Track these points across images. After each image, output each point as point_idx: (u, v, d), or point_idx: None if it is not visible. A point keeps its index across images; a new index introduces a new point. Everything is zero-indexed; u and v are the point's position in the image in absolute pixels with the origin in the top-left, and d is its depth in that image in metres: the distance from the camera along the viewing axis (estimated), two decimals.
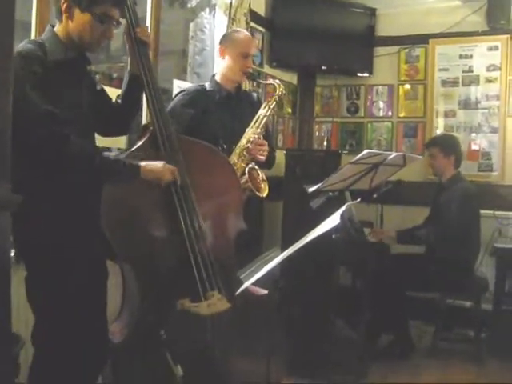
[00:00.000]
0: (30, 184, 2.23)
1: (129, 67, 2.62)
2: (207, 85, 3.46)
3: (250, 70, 3.44)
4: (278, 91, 3.38)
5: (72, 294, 2.26)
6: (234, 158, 3.18)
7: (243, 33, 3.57)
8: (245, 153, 3.21)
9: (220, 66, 3.48)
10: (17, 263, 2.36)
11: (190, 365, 2.34)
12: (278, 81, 3.50)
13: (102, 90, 2.66)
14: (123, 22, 2.54)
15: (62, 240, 2.25)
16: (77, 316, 2.26)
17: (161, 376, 2.33)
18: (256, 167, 3.21)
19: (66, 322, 2.25)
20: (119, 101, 2.66)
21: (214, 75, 3.52)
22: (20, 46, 2.28)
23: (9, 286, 1.81)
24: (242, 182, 3.09)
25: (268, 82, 3.60)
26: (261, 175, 3.22)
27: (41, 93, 2.16)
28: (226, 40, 3.46)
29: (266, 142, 3.29)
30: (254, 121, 3.29)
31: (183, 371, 2.27)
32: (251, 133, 3.24)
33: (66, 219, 2.25)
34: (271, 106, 3.33)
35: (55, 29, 2.36)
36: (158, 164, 2.41)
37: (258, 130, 3.26)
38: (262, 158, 3.26)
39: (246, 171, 3.14)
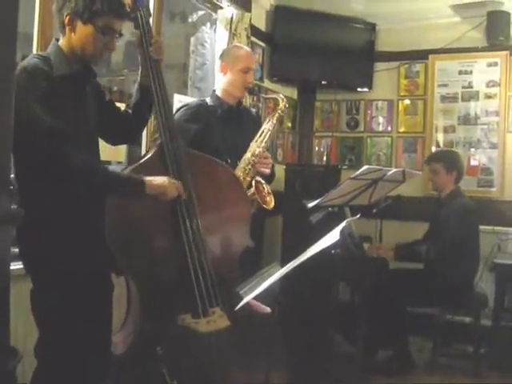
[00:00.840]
0: (35, 197, 2.25)
1: (139, 78, 2.62)
2: (208, 100, 3.47)
3: (251, 85, 3.44)
4: (282, 105, 3.39)
5: (77, 308, 2.25)
6: (239, 172, 3.18)
7: (243, 48, 3.59)
8: (249, 166, 3.21)
9: (221, 82, 3.48)
10: (25, 276, 2.35)
11: (187, 381, 2.34)
12: (281, 95, 3.49)
13: (110, 101, 2.67)
14: (136, 32, 2.55)
15: (66, 253, 2.24)
16: (81, 329, 2.25)
17: None
18: (262, 180, 3.21)
19: (71, 335, 2.24)
20: (129, 110, 2.67)
21: (214, 90, 3.53)
22: (25, 60, 2.29)
23: (8, 300, 1.81)
24: (248, 194, 3.09)
25: (271, 96, 3.59)
26: (266, 188, 3.22)
27: (46, 107, 2.16)
28: (226, 56, 3.47)
29: (269, 155, 3.31)
30: (258, 134, 3.30)
31: None
32: (255, 146, 3.25)
33: (70, 232, 2.25)
34: (275, 120, 3.34)
35: (59, 42, 2.37)
36: (162, 179, 2.39)
37: (263, 144, 3.26)
38: (267, 171, 3.28)
39: (253, 184, 3.15)
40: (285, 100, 3.43)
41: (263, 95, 3.66)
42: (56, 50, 2.35)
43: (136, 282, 2.47)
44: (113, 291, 2.48)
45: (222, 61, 3.45)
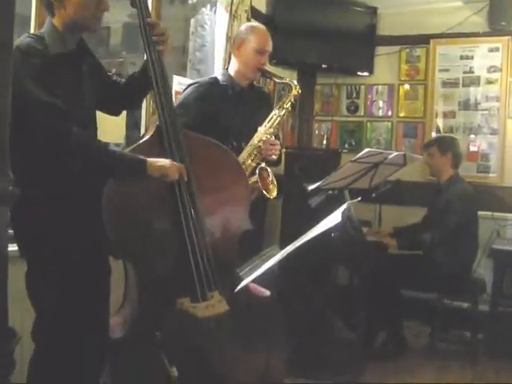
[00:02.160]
0: (31, 178, 2.22)
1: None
2: (220, 77, 3.36)
3: (265, 67, 3.35)
4: (295, 91, 3.28)
5: (73, 290, 2.24)
6: (244, 157, 3.13)
7: (260, 28, 3.44)
8: (255, 152, 3.15)
9: (233, 61, 3.36)
10: (20, 257, 2.33)
11: (186, 366, 2.33)
12: (295, 81, 3.37)
13: (109, 76, 2.65)
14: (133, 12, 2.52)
15: (63, 235, 2.23)
16: (78, 312, 2.24)
17: (156, 376, 2.31)
18: (267, 168, 3.16)
19: (67, 317, 2.23)
20: (127, 81, 2.65)
21: (227, 68, 3.43)
22: (19, 40, 2.26)
23: (6, 281, 1.80)
24: (251, 181, 3.04)
25: (285, 81, 3.47)
26: (271, 176, 3.16)
27: (41, 85, 2.15)
28: (241, 35, 3.35)
29: (278, 142, 3.24)
30: (267, 120, 3.22)
31: (179, 372, 2.25)
32: (263, 132, 3.17)
33: (67, 214, 2.24)
34: (286, 107, 3.26)
35: (53, 21, 2.33)
36: (165, 161, 2.38)
37: (271, 130, 3.19)
38: (274, 157, 3.22)
39: (257, 171, 3.09)
40: (298, 87, 3.31)
41: (276, 79, 3.53)
42: (50, 29, 2.31)
43: (134, 265, 2.45)
44: (110, 274, 2.47)
45: (238, 39, 3.34)
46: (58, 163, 2.22)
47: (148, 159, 2.34)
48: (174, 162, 2.40)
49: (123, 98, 2.68)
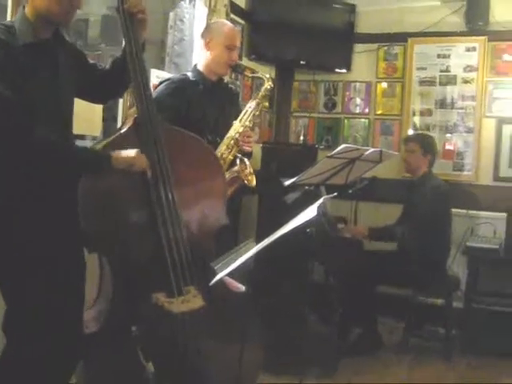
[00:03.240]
0: (2, 168, 2.20)
1: (123, 45, 2.54)
2: (190, 74, 3.38)
3: (235, 63, 3.36)
4: (267, 84, 3.32)
5: (46, 283, 2.22)
6: (222, 149, 3.16)
7: (229, 25, 3.48)
8: (233, 144, 3.18)
9: (203, 57, 3.38)
10: None
11: (162, 361, 2.32)
12: (267, 74, 3.42)
13: (92, 64, 2.60)
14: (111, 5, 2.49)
15: (35, 228, 2.20)
16: (51, 305, 2.21)
17: (132, 372, 2.30)
18: (245, 159, 3.19)
19: (40, 310, 2.21)
20: (110, 66, 2.61)
21: (195, 65, 3.44)
22: None
23: None
24: (232, 171, 3.12)
25: (257, 74, 3.51)
26: (248, 168, 3.20)
27: (2, 78, 2.08)
28: (210, 32, 3.37)
29: (253, 134, 3.29)
30: (242, 113, 3.26)
31: (155, 368, 2.24)
32: (240, 125, 3.21)
33: (39, 206, 2.21)
34: (260, 99, 3.29)
35: (25, 10, 2.26)
36: (129, 152, 2.35)
37: (247, 123, 3.23)
38: (249, 149, 3.25)
39: (237, 162, 3.14)
40: (270, 80, 3.36)
41: (248, 73, 3.56)
42: (21, 18, 2.25)
43: (108, 259, 2.43)
44: (85, 267, 2.43)
45: (206, 36, 3.35)
46: (25, 159, 2.18)
47: (112, 153, 2.31)
48: (140, 153, 2.37)
49: (108, 84, 2.62)
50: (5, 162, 2.20)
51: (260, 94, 3.32)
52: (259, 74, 3.47)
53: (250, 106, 3.29)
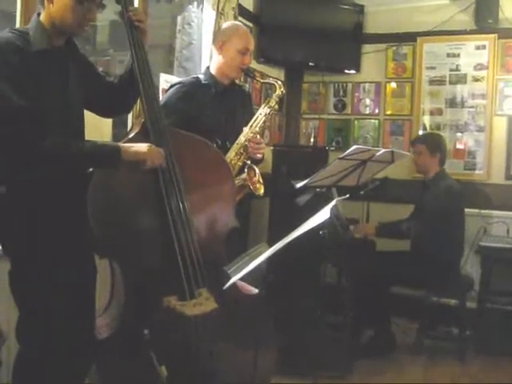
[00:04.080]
0: (14, 177, 2.21)
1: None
2: (202, 77, 3.35)
3: (247, 67, 3.33)
4: (279, 91, 3.28)
5: (58, 290, 2.22)
6: (231, 155, 3.14)
7: (242, 27, 3.45)
8: (242, 150, 3.16)
9: (215, 60, 3.34)
10: (4, 256, 2.32)
11: (175, 365, 2.31)
12: (279, 81, 3.38)
13: (100, 75, 2.62)
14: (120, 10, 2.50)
15: (47, 233, 2.21)
16: (63, 311, 2.22)
17: (145, 376, 2.30)
18: (254, 167, 3.17)
19: (52, 317, 2.21)
20: (118, 81, 2.61)
21: (208, 67, 3.41)
22: None
23: None
24: (240, 179, 3.09)
25: (269, 80, 3.46)
26: (257, 175, 3.18)
27: (16, 85, 2.11)
28: (223, 34, 3.33)
29: (263, 141, 3.25)
30: (253, 119, 3.23)
31: (168, 372, 2.24)
32: (250, 131, 3.19)
33: (51, 212, 2.21)
34: (271, 106, 3.26)
35: (40, 17, 2.30)
36: (141, 145, 2.34)
37: (257, 129, 3.20)
38: (259, 156, 3.22)
39: (245, 170, 3.11)
40: (282, 86, 3.32)
41: (259, 79, 3.52)
42: (36, 25, 2.28)
43: (119, 264, 2.43)
44: (96, 273, 2.44)
45: (219, 39, 3.32)
46: (37, 165, 2.18)
47: (122, 144, 2.31)
48: (153, 146, 2.36)
49: (116, 99, 2.62)
50: (16, 170, 2.21)
51: (271, 100, 3.28)
52: (271, 80, 3.43)
53: (261, 112, 3.25)
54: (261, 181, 3.19)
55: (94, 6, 2.31)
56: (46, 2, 2.27)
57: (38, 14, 2.31)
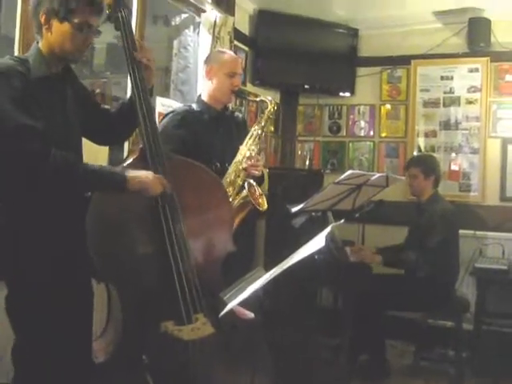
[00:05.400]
0: (12, 199, 2.22)
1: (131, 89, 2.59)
2: (194, 105, 3.41)
3: (238, 88, 3.38)
4: (271, 107, 3.34)
5: (55, 314, 2.22)
6: (231, 175, 3.17)
7: (228, 53, 3.53)
8: (240, 168, 3.19)
9: (206, 87, 3.41)
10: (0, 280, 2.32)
11: None
12: (269, 97, 3.43)
13: (96, 102, 2.67)
14: (118, 34, 2.52)
15: (44, 258, 2.21)
16: (60, 335, 2.22)
17: None
18: (253, 183, 3.19)
19: (48, 342, 2.21)
20: (118, 110, 2.64)
21: (199, 96, 3.47)
22: (0, 61, 2.26)
23: None
24: (241, 196, 3.12)
25: (260, 98, 3.51)
26: (258, 191, 3.21)
27: (21, 108, 2.14)
28: (211, 61, 3.41)
29: (260, 158, 3.29)
30: (247, 137, 3.27)
31: None
32: (246, 149, 3.22)
33: (48, 236, 2.22)
34: (264, 123, 3.30)
35: (39, 45, 2.34)
36: (146, 174, 2.36)
37: (253, 147, 3.24)
38: (258, 173, 3.24)
39: (246, 186, 3.13)
40: (273, 102, 3.37)
41: (251, 98, 3.58)
42: (35, 53, 2.32)
43: (117, 288, 2.43)
44: (93, 298, 2.45)
45: (207, 66, 3.38)
46: (38, 187, 2.20)
47: (129, 173, 2.33)
48: (156, 175, 2.38)
49: (112, 128, 2.65)
50: (18, 191, 2.22)
51: (264, 116, 3.33)
52: (262, 98, 3.47)
53: (255, 129, 3.30)
54: (262, 195, 3.22)
55: (92, 32, 2.35)
56: (44, 30, 2.30)
57: (37, 42, 2.35)
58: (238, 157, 3.21)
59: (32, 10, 2.31)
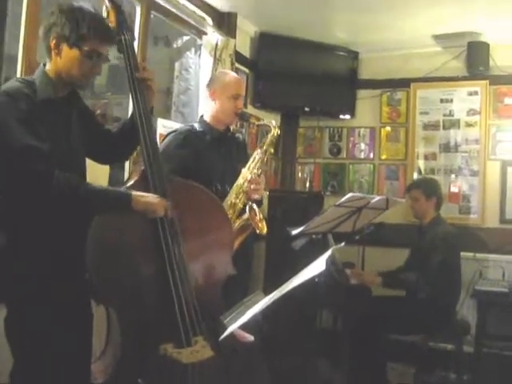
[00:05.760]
0: (12, 221, 2.23)
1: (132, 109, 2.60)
2: (196, 125, 3.42)
3: (241, 111, 3.39)
4: (274, 132, 3.32)
5: (54, 336, 2.22)
6: (231, 198, 3.18)
7: (232, 74, 3.54)
8: (241, 191, 3.19)
9: (209, 108, 3.42)
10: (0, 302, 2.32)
11: None
12: (273, 122, 3.41)
13: (99, 124, 2.68)
14: (119, 54, 2.55)
15: (44, 280, 2.21)
16: (59, 358, 2.22)
17: None
18: (254, 207, 3.20)
19: (47, 364, 2.21)
20: (119, 129, 2.66)
21: (202, 116, 3.47)
22: (7, 84, 2.29)
23: None
24: (243, 220, 3.12)
25: (263, 122, 3.47)
26: (259, 215, 3.21)
27: (25, 129, 2.16)
28: (214, 82, 3.42)
29: (261, 181, 3.28)
30: (250, 161, 3.27)
31: None
32: (248, 173, 3.23)
33: (48, 258, 2.22)
34: (267, 147, 3.30)
35: (46, 67, 2.36)
36: (151, 196, 2.37)
37: (255, 171, 3.24)
38: (258, 197, 3.25)
39: (247, 209, 3.14)
40: (277, 127, 3.37)
41: (254, 121, 3.57)
42: (42, 75, 2.34)
43: (116, 311, 2.43)
44: (92, 320, 2.45)
45: (211, 87, 3.40)
46: (40, 208, 2.21)
47: (134, 193, 2.34)
48: (160, 198, 2.39)
49: (114, 147, 2.67)
50: (20, 212, 2.23)
51: (267, 141, 3.33)
52: (265, 122, 3.45)
53: (257, 153, 3.29)
54: (262, 219, 3.22)
55: (101, 60, 2.37)
56: (53, 54, 2.32)
57: (44, 65, 2.37)
58: (240, 180, 3.22)
59: (43, 33, 2.33)
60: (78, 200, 2.25)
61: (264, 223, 3.23)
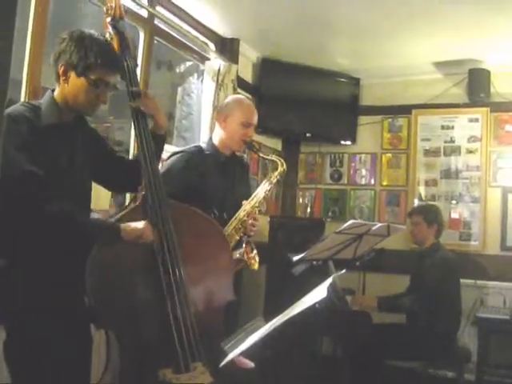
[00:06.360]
0: (12, 246, 2.23)
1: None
2: (204, 146, 3.39)
3: (250, 140, 3.34)
4: (281, 169, 3.28)
5: (53, 361, 2.21)
6: (229, 229, 3.15)
7: (246, 101, 3.47)
8: (240, 225, 3.17)
9: (219, 132, 3.36)
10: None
11: None
12: (281, 159, 3.36)
13: (110, 149, 2.68)
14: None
15: (43, 304, 2.21)
16: (58, 382, 2.20)
17: None
18: (251, 243, 3.18)
19: None
20: (133, 160, 2.67)
21: (210, 138, 3.44)
22: (12, 107, 2.30)
23: None
24: (238, 252, 3.10)
25: (272, 158, 3.43)
26: (254, 251, 3.19)
27: (26, 154, 2.17)
28: (228, 107, 3.36)
29: (259, 218, 3.25)
30: (253, 194, 3.25)
31: None
32: (250, 207, 3.20)
33: (48, 283, 2.22)
34: (272, 182, 3.27)
35: (54, 93, 2.38)
36: (138, 224, 2.37)
37: (257, 205, 3.22)
38: (253, 233, 3.23)
39: (244, 244, 3.13)
40: (284, 165, 3.31)
41: (263, 155, 3.51)
42: (48, 100, 2.37)
43: (116, 335, 2.42)
44: (91, 345, 2.44)
45: (224, 111, 3.35)
46: (35, 232, 2.21)
47: (121, 224, 2.35)
48: (149, 224, 2.39)
49: (126, 175, 2.65)
50: (20, 238, 2.23)
51: (273, 177, 3.28)
52: (273, 158, 3.41)
53: (262, 188, 3.26)
54: (256, 258, 3.19)
55: (108, 89, 2.39)
56: (61, 81, 2.35)
57: (52, 90, 2.40)
58: (241, 213, 3.19)
59: (53, 59, 2.36)
60: (69, 229, 2.26)
61: (257, 259, 3.19)
